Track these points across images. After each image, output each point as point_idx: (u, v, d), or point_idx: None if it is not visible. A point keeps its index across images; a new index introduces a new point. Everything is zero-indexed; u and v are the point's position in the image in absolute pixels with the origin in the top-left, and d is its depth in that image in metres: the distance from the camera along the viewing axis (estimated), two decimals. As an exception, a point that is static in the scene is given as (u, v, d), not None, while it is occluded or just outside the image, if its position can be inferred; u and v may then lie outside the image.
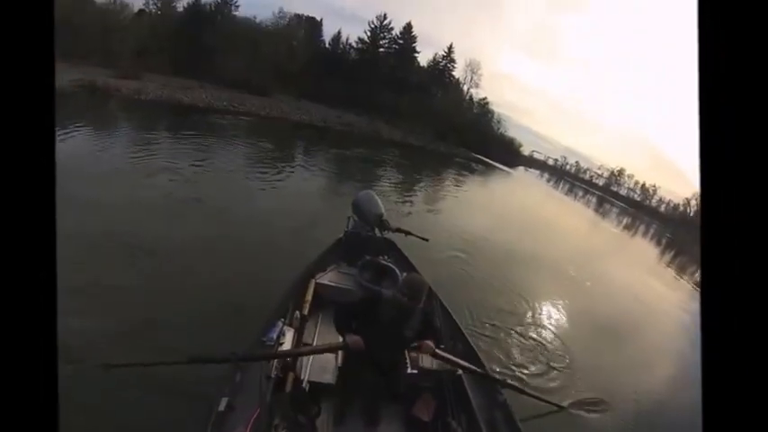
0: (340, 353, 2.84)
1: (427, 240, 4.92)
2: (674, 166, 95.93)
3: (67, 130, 10.46)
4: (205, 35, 31.50)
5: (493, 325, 5.70)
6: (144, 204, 6.80)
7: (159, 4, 33.05)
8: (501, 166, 41.28)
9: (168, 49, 29.31)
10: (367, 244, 4.41)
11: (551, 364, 5.18)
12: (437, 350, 2.68)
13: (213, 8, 35.31)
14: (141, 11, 32.12)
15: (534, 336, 5.88)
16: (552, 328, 6.31)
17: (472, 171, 29.19)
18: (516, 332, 5.77)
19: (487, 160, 40.19)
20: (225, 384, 2.44)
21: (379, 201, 4.80)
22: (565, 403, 4.16)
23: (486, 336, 5.37)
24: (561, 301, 7.51)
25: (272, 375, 2.59)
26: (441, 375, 3.07)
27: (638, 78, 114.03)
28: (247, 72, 30.89)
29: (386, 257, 4.31)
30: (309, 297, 3.53)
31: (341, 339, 2.59)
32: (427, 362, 3.03)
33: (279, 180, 10.96)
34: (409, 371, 2.92)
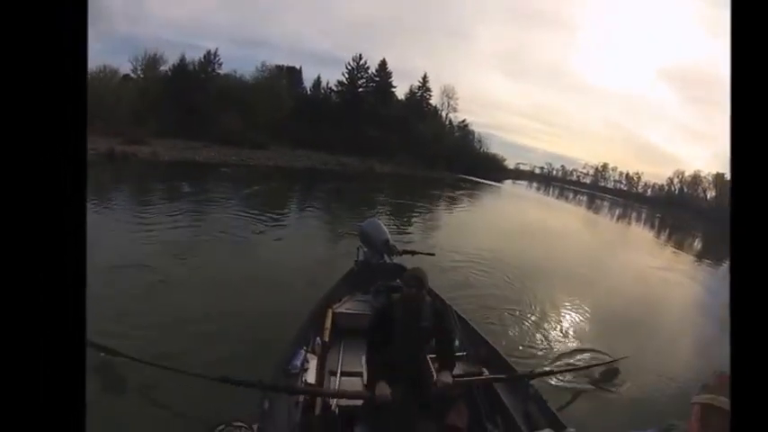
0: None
1: (433, 255, 5.33)
2: (652, 148, 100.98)
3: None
4: (196, 96, 32.02)
5: (521, 328, 5.77)
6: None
7: (144, 69, 33.30)
8: (489, 182, 43.12)
9: (164, 113, 29.38)
10: (378, 271, 4.49)
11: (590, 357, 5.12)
12: (455, 379, 2.67)
13: (197, 67, 35.85)
14: (126, 76, 32.21)
15: (562, 335, 5.85)
16: (581, 327, 6.30)
17: (463, 191, 30.28)
18: (543, 335, 5.73)
19: (476, 179, 41.95)
20: (254, 412, 2.44)
21: (384, 226, 4.99)
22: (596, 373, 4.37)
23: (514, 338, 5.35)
24: (583, 300, 7.42)
25: (300, 401, 2.61)
26: (469, 381, 3.06)
27: (606, 71, 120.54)
28: (244, 128, 31.69)
29: (398, 281, 4.31)
30: (329, 325, 3.59)
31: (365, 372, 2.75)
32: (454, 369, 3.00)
33: (288, 217, 12.57)
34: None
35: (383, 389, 2.42)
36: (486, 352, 3.44)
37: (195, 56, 36.59)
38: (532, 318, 6.21)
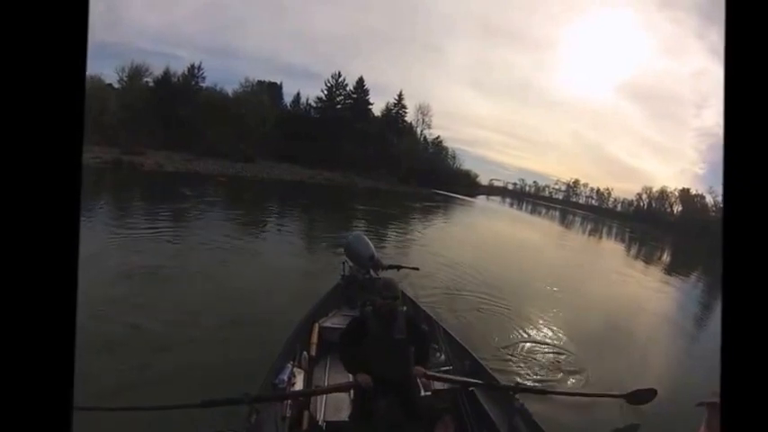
0: (352, 389, 2.84)
1: (417, 269, 5.68)
2: (622, 164, 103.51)
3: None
4: (180, 109, 32.42)
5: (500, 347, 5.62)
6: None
7: (128, 80, 32.93)
8: (463, 197, 45.12)
9: (151, 125, 29.37)
10: (364, 286, 4.52)
11: (569, 370, 5.15)
12: (428, 372, 2.77)
13: (180, 80, 36.01)
14: (110, 85, 31.62)
15: (542, 351, 5.73)
16: (559, 341, 6.16)
17: (437, 206, 31.22)
18: (523, 350, 5.63)
19: (449, 194, 43.82)
20: (241, 426, 2.44)
21: (369, 241, 4.98)
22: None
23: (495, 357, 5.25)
24: (557, 315, 7.46)
25: (287, 415, 2.62)
26: (455, 394, 3.09)
27: (578, 88, 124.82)
28: (232, 142, 32.50)
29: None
30: (315, 339, 3.61)
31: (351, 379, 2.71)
32: (439, 383, 3.01)
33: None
34: (423, 393, 2.88)
35: (364, 377, 2.51)
36: (470, 364, 3.52)
37: (170, 64, 36.80)
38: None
